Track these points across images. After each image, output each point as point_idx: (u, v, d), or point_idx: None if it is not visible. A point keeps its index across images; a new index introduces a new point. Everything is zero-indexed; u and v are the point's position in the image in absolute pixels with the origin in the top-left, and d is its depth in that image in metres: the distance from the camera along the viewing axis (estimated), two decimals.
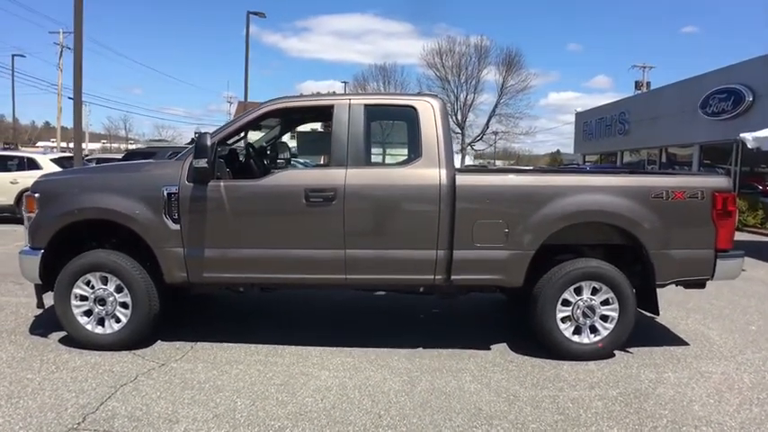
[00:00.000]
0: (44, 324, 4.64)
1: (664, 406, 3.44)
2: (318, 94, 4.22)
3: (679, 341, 4.73)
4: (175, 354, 4.15)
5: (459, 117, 41.97)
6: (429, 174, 4.05)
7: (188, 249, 4.07)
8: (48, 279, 4.20)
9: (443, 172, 4.06)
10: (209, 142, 3.83)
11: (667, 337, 4.82)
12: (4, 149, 21.04)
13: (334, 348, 4.32)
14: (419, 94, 4.35)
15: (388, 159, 4.46)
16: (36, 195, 4.17)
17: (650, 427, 3.16)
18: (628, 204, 4.05)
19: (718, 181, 4.22)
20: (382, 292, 4.94)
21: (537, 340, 4.24)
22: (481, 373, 3.91)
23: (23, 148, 25.49)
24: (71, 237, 4.24)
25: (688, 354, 4.41)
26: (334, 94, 4.46)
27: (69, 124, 26.16)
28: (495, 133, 45.22)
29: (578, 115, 31.63)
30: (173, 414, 3.20)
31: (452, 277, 4.11)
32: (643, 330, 5.00)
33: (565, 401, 3.48)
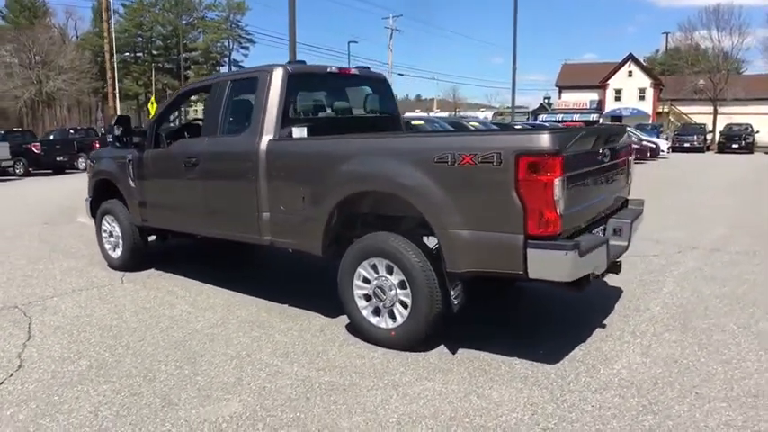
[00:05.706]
0: None
1: (290, 405, 2.97)
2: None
3: (553, 359, 3.49)
4: (143, 278, 5.61)
5: None
6: (249, 141, 4.27)
7: (138, 201, 5.47)
8: None
9: (263, 139, 4.21)
10: (114, 122, 5.11)
11: (558, 352, 3.59)
12: None
13: (240, 296, 4.87)
14: (291, 62, 4.47)
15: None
16: (89, 162, 6.29)
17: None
18: (405, 170, 3.36)
19: (527, 139, 2.97)
20: None
21: None
22: (275, 338, 3.92)
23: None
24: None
25: (522, 374, 3.31)
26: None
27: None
28: None
29: None
30: (56, 307, 4.66)
31: (272, 240, 4.26)
32: (556, 337, 3.87)
33: (259, 377, 3.39)
